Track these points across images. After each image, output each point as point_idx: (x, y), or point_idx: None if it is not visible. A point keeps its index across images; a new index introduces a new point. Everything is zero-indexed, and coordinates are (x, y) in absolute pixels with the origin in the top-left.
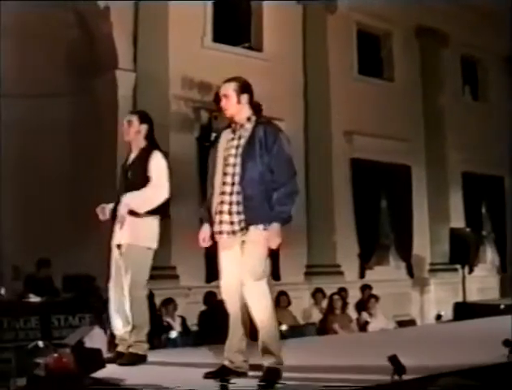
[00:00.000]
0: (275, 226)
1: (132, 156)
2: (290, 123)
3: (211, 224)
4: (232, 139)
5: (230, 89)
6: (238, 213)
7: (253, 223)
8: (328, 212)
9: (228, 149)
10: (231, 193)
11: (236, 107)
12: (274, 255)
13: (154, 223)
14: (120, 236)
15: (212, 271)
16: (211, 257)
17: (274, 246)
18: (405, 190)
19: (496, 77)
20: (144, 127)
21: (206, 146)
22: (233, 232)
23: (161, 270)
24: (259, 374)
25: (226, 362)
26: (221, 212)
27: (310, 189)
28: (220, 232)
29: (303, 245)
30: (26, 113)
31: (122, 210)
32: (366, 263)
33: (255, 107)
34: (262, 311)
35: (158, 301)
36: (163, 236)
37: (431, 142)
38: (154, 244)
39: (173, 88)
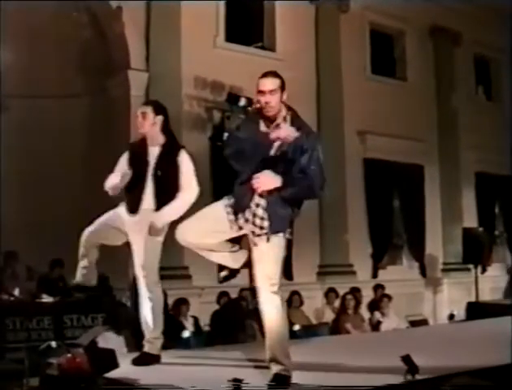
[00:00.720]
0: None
1: (155, 152)
2: None
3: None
4: None
5: (276, 85)
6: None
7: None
8: (341, 212)
9: None
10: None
11: (279, 105)
12: (287, 255)
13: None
14: (136, 225)
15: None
16: None
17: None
18: (417, 190)
19: (509, 77)
20: (159, 119)
21: (218, 146)
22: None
23: (174, 270)
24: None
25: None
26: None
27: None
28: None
29: (316, 245)
30: (39, 114)
31: (160, 225)
32: (379, 263)
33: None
34: (274, 323)
35: (170, 301)
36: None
37: (444, 142)
38: (162, 238)
39: (186, 88)
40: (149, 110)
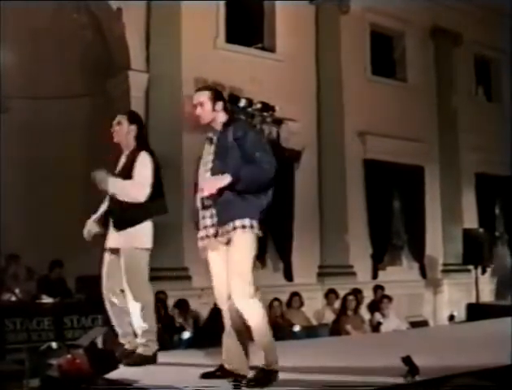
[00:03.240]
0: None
1: (123, 159)
2: (303, 124)
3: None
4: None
5: (205, 97)
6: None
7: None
8: (341, 213)
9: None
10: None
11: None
12: (286, 255)
13: (147, 224)
14: (115, 240)
15: None
16: None
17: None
18: (418, 191)
19: (509, 77)
20: (133, 128)
21: None
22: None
23: (173, 271)
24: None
25: (225, 364)
26: (204, 217)
27: (323, 190)
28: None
29: (316, 246)
30: (40, 114)
31: (104, 185)
32: (379, 264)
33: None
34: (256, 326)
35: (170, 302)
36: (176, 237)
37: (445, 143)
38: (150, 244)
39: (186, 88)
40: (123, 119)
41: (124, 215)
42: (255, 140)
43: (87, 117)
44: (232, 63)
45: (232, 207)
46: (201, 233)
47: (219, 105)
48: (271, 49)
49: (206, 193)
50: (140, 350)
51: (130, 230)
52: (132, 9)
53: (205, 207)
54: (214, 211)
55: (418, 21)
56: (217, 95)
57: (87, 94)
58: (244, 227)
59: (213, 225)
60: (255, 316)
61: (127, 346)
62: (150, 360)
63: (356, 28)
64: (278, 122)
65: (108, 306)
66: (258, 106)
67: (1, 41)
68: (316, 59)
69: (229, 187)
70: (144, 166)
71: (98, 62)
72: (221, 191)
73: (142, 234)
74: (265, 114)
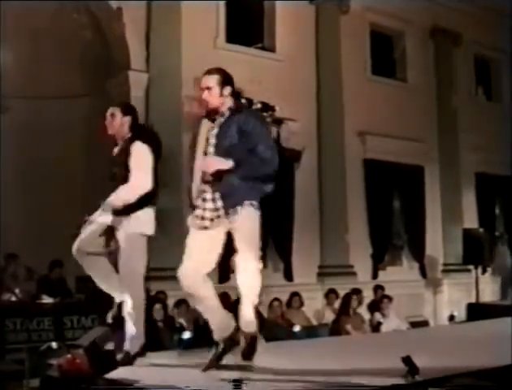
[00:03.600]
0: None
1: (116, 150)
2: (303, 124)
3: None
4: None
5: (214, 82)
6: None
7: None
8: (341, 212)
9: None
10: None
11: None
12: (287, 256)
13: (149, 210)
14: (114, 220)
15: (225, 271)
16: (224, 257)
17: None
18: (418, 190)
19: (509, 77)
20: (127, 120)
21: None
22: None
23: (173, 271)
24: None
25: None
26: (204, 200)
27: (323, 189)
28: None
29: (316, 246)
30: (39, 114)
31: (109, 206)
32: (379, 264)
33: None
34: (249, 286)
35: (170, 302)
36: (176, 235)
37: (445, 142)
38: (150, 231)
39: (186, 88)
40: (117, 111)
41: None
42: (260, 132)
43: (87, 117)
44: (232, 63)
45: (237, 192)
46: (199, 212)
47: (227, 89)
48: (271, 49)
49: (210, 169)
50: (127, 347)
51: (135, 215)
52: (132, 9)
53: (206, 182)
54: (217, 195)
55: (418, 21)
56: (226, 79)
57: (87, 94)
58: (252, 204)
59: (216, 209)
60: (253, 278)
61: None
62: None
63: (356, 27)
64: (278, 122)
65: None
66: (258, 105)
67: (1, 41)
68: (316, 59)
69: (228, 172)
70: (138, 156)
71: (98, 62)
72: (220, 174)
73: (146, 220)
74: (265, 114)
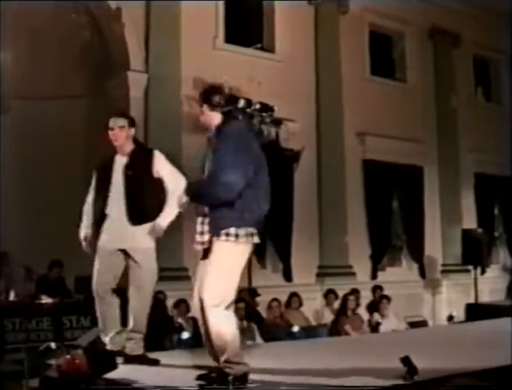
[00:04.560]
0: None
1: (124, 160)
2: (302, 124)
3: None
4: None
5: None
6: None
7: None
8: (340, 213)
9: None
10: None
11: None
12: (286, 256)
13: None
14: (126, 240)
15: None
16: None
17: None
18: (417, 191)
19: (509, 78)
20: (132, 131)
21: None
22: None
23: (173, 271)
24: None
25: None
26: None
27: (323, 190)
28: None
29: (315, 246)
30: (39, 115)
31: (158, 233)
32: (378, 264)
33: None
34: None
35: (170, 302)
36: (175, 237)
37: (444, 143)
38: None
39: (185, 89)
40: (126, 123)
41: (144, 207)
42: (225, 153)
43: (87, 117)
44: (231, 63)
45: (220, 217)
46: (197, 238)
47: (205, 107)
48: (270, 50)
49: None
50: (127, 349)
51: (146, 227)
52: (132, 9)
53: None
54: (206, 220)
55: (418, 21)
56: (205, 98)
57: (86, 94)
58: (228, 234)
59: (202, 233)
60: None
61: (108, 347)
62: (141, 359)
63: (355, 28)
64: (277, 122)
65: (97, 301)
66: (257, 106)
67: (1, 41)
68: (315, 59)
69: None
70: (167, 165)
71: (97, 62)
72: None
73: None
74: (264, 114)
